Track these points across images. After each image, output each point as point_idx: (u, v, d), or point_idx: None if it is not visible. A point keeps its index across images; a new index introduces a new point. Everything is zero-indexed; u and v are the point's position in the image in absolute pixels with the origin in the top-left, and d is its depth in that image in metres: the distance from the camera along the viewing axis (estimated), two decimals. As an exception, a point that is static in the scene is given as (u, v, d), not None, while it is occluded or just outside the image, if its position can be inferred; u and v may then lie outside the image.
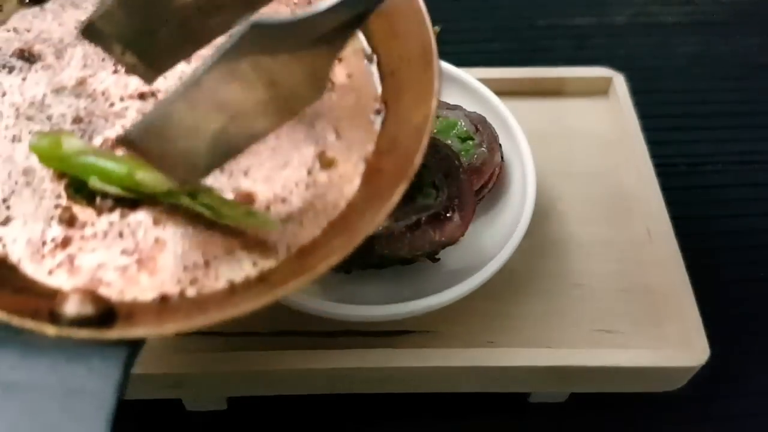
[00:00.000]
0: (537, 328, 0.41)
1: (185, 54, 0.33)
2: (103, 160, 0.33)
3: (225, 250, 0.32)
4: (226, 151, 0.30)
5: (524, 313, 0.41)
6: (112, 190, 0.33)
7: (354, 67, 0.38)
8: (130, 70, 0.32)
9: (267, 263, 0.32)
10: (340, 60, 0.37)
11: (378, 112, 0.36)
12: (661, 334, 0.41)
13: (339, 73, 0.37)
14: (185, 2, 0.31)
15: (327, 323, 0.38)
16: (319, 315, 0.37)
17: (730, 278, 0.49)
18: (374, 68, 0.38)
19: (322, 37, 0.27)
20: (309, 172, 0.34)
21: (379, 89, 0.37)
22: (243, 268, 0.32)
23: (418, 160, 0.30)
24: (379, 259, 0.39)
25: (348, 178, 0.34)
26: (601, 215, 0.46)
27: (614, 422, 0.43)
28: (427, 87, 0.33)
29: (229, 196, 0.33)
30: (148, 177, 0.33)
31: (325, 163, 0.35)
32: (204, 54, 0.32)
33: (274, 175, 0.34)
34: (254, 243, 0.33)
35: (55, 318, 0.28)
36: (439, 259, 0.40)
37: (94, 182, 0.33)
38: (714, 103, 0.61)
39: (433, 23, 0.48)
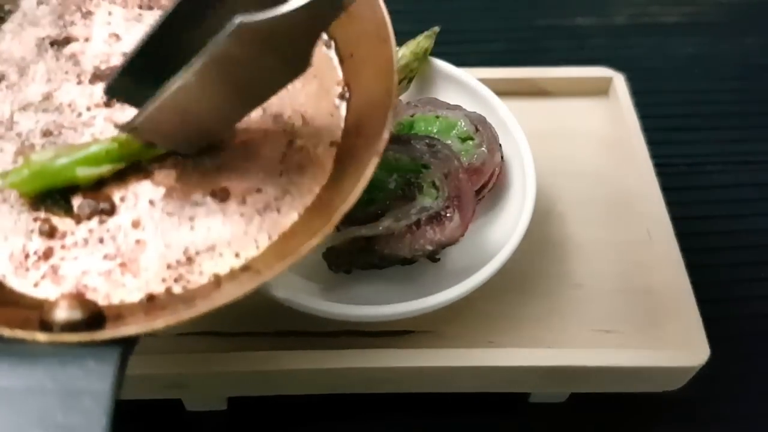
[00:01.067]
0: (537, 328, 0.41)
1: None
2: (80, 150, 0.34)
3: (206, 245, 0.33)
4: (227, 120, 0.33)
5: (524, 313, 0.41)
6: (104, 169, 0.33)
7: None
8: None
9: (249, 253, 0.33)
10: None
11: (342, 95, 0.37)
12: (661, 334, 0.41)
13: None
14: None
15: (327, 323, 0.38)
16: (319, 315, 0.37)
17: (730, 278, 0.49)
18: (333, 53, 0.38)
19: (302, 25, 0.29)
20: (280, 161, 0.35)
21: (340, 73, 0.38)
22: (226, 260, 0.32)
23: (386, 134, 0.31)
24: (379, 259, 0.39)
25: (320, 163, 0.35)
26: (601, 215, 0.46)
27: (614, 422, 0.43)
28: (386, 62, 0.34)
29: (206, 192, 0.34)
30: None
31: (296, 150, 0.35)
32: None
33: (247, 167, 0.35)
34: (234, 235, 0.33)
35: (45, 326, 0.28)
36: (439, 259, 0.40)
37: (83, 171, 0.33)
38: (714, 103, 0.61)
39: (434, 23, 0.48)
